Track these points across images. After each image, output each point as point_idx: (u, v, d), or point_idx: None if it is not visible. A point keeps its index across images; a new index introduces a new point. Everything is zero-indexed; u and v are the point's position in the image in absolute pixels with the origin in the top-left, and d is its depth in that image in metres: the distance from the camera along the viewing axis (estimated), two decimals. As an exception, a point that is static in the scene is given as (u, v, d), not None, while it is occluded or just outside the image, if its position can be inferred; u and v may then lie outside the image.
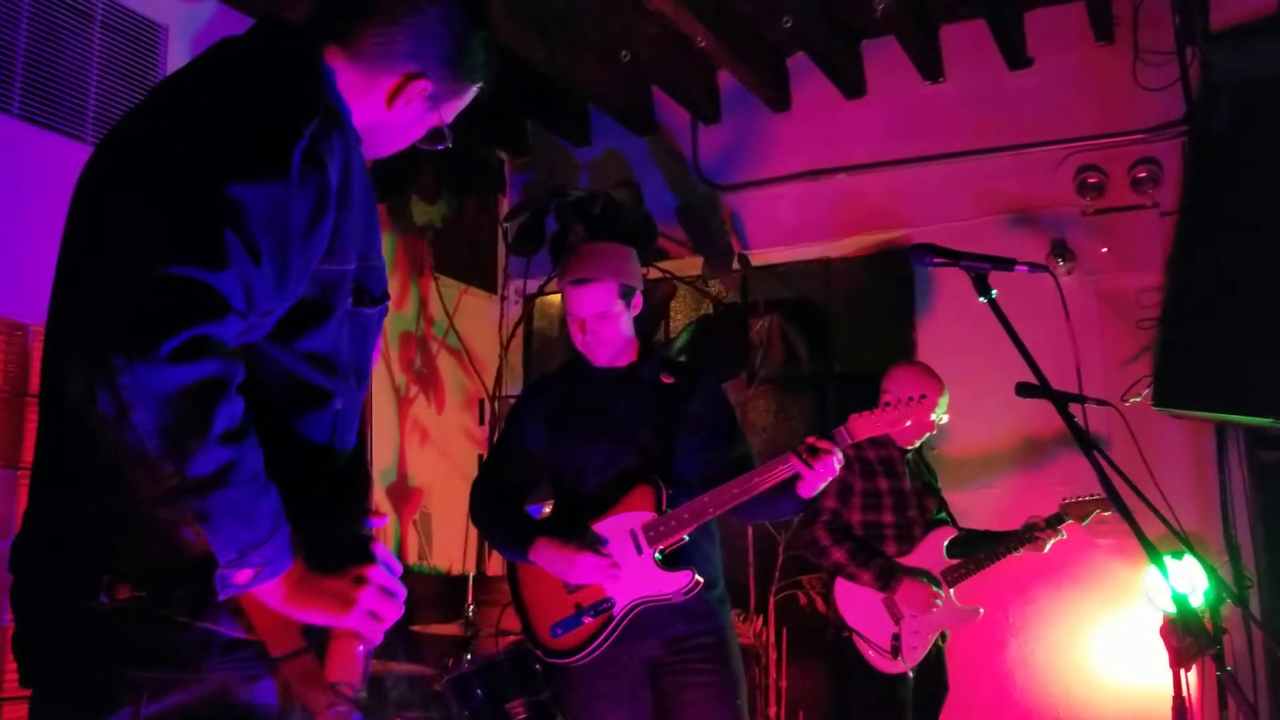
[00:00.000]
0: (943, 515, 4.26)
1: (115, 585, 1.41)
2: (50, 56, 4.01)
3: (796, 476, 3.00)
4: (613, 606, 3.11)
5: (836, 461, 2.99)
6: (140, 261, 1.30)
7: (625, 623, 3.10)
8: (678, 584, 3.10)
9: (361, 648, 1.51)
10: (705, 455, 3.24)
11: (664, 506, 3.12)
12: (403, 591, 1.52)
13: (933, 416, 4.09)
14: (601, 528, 3.16)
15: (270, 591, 1.42)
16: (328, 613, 1.45)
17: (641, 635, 3.12)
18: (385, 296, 1.66)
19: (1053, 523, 4.08)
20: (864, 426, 3.08)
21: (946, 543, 4.09)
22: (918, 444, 4.22)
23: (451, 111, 1.76)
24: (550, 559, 3.12)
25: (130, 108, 1.58)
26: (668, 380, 3.28)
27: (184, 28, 4.49)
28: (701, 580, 3.11)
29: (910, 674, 3.95)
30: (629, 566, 3.10)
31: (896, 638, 3.92)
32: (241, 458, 1.34)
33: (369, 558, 1.49)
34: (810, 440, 3.01)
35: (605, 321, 3.19)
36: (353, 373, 1.61)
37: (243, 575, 1.38)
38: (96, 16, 4.18)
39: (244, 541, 1.36)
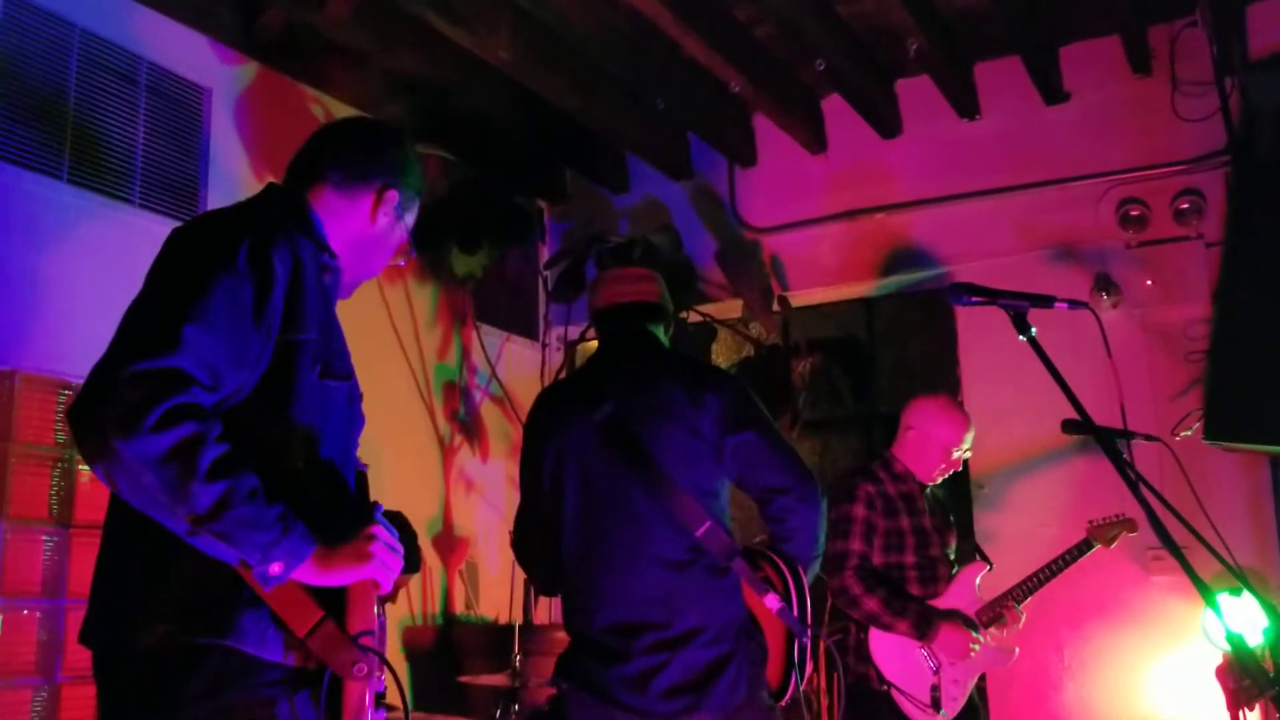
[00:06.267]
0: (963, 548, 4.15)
1: (153, 625, 1.75)
2: (97, 122, 4.10)
3: None
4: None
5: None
6: (118, 366, 1.69)
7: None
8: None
9: (375, 594, 1.86)
10: None
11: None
12: (400, 546, 1.90)
13: (957, 454, 4.04)
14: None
15: (304, 571, 1.77)
16: (352, 569, 1.83)
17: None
18: (349, 375, 2.04)
19: (1081, 549, 4.09)
20: None
21: (978, 579, 3.98)
22: (939, 480, 4.11)
23: (410, 221, 2.24)
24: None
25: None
26: None
27: (227, 90, 4.53)
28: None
29: None
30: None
31: (936, 689, 3.79)
32: (236, 484, 1.69)
33: (370, 519, 1.88)
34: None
35: None
36: (309, 438, 1.91)
37: (275, 568, 1.73)
38: (141, 82, 4.27)
39: (262, 543, 1.71)
